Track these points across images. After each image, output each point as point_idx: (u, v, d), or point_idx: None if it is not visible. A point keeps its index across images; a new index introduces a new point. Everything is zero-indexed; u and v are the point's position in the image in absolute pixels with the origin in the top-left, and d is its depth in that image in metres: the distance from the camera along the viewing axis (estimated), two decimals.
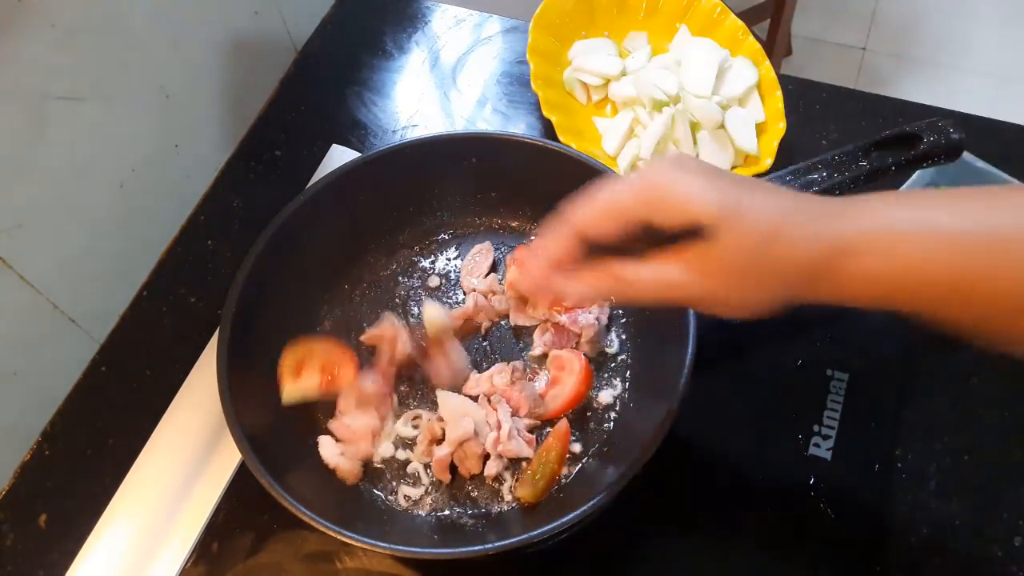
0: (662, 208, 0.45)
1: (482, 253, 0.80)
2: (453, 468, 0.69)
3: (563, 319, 0.74)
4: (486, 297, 0.77)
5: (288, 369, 0.71)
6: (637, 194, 0.46)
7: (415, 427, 0.71)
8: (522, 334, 0.77)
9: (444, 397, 0.70)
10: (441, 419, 0.70)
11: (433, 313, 0.72)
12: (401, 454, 0.71)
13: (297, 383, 0.71)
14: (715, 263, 0.45)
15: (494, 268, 0.80)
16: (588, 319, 0.73)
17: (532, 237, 0.82)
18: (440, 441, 0.69)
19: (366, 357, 0.75)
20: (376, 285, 0.81)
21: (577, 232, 0.49)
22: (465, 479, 0.69)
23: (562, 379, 0.73)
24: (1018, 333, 0.44)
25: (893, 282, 0.45)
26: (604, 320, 0.75)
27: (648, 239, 0.47)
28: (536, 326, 0.76)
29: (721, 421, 0.73)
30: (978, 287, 0.43)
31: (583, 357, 0.73)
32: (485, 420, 0.69)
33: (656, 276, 0.47)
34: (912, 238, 0.44)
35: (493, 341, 0.77)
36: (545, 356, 0.75)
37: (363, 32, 1.04)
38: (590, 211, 0.48)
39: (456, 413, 0.68)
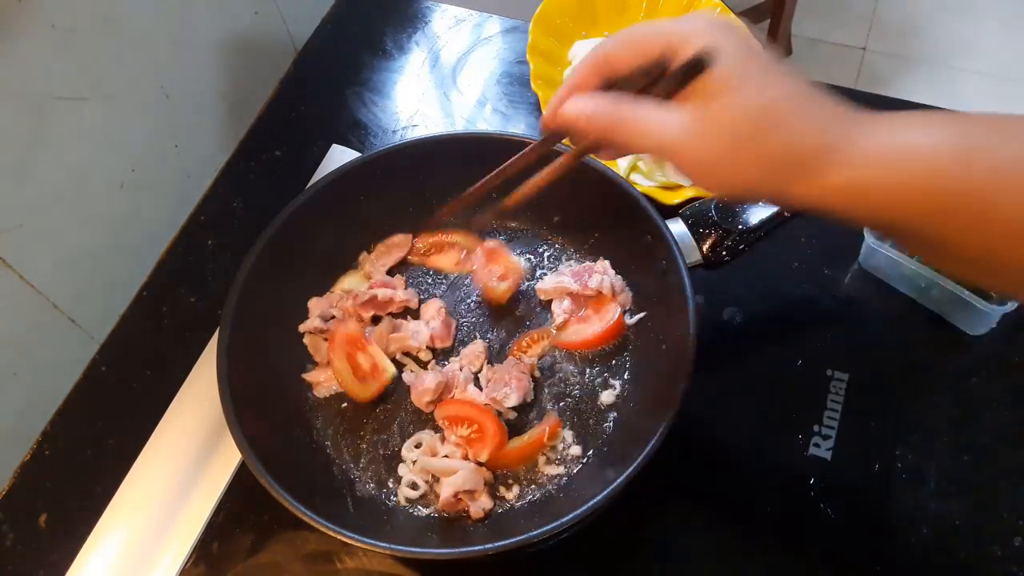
0: (681, 41, 0.45)
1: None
2: None
3: (574, 286, 0.75)
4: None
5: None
6: (662, 28, 0.46)
7: (417, 446, 0.71)
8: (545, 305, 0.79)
9: (426, 461, 0.69)
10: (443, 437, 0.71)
11: None
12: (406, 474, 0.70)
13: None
14: (713, 120, 0.44)
15: None
16: (596, 280, 0.74)
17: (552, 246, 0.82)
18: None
19: None
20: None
21: (600, 59, 0.48)
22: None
23: (590, 319, 0.75)
24: (1010, 266, 0.42)
25: (886, 198, 0.42)
26: (614, 283, 0.75)
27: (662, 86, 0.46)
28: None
29: (721, 421, 0.73)
30: (977, 212, 0.40)
31: (619, 310, 0.74)
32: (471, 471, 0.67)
33: (653, 116, 0.46)
34: (915, 157, 0.41)
35: (520, 311, 0.78)
36: (566, 325, 0.76)
37: (363, 32, 1.04)
38: (615, 40, 0.48)
39: (446, 472, 0.67)
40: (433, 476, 0.68)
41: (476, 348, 0.75)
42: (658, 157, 0.46)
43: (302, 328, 0.76)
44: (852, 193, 0.43)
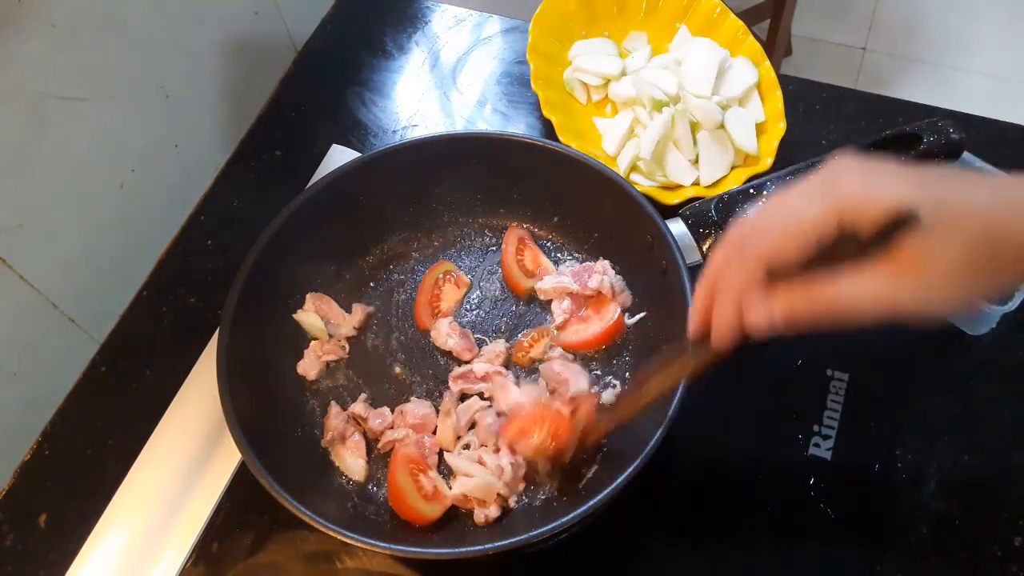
0: (861, 212, 0.41)
1: None
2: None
3: (574, 286, 0.75)
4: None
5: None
6: (829, 207, 0.42)
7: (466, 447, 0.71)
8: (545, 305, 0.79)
9: (454, 459, 0.69)
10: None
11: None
12: None
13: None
14: (937, 256, 0.41)
15: None
16: (595, 281, 0.75)
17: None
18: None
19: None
20: (376, 285, 0.81)
21: (759, 261, 0.45)
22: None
23: (590, 319, 0.75)
24: None
25: None
26: (614, 283, 0.76)
27: (834, 252, 0.43)
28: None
29: (721, 421, 0.73)
30: None
31: (619, 311, 0.74)
32: (489, 473, 0.67)
33: (871, 286, 0.43)
34: None
35: (522, 311, 0.79)
36: (566, 326, 0.76)
37: (363, 32, 1.04)
38: (778, 238, 0.44)
39: (463, 472, 0.67)
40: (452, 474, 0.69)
41: (497, 347, 0.75)
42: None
43: (297, 318, 0.77)
44: None
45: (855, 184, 0.42)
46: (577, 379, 0.71)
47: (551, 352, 0.75)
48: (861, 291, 0.43)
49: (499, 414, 0.71)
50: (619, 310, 0.74)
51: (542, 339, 0.76)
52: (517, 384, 0.73)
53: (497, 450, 0.69)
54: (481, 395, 0.73)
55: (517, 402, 0.70)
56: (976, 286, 0.43)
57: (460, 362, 0.75)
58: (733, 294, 0.46)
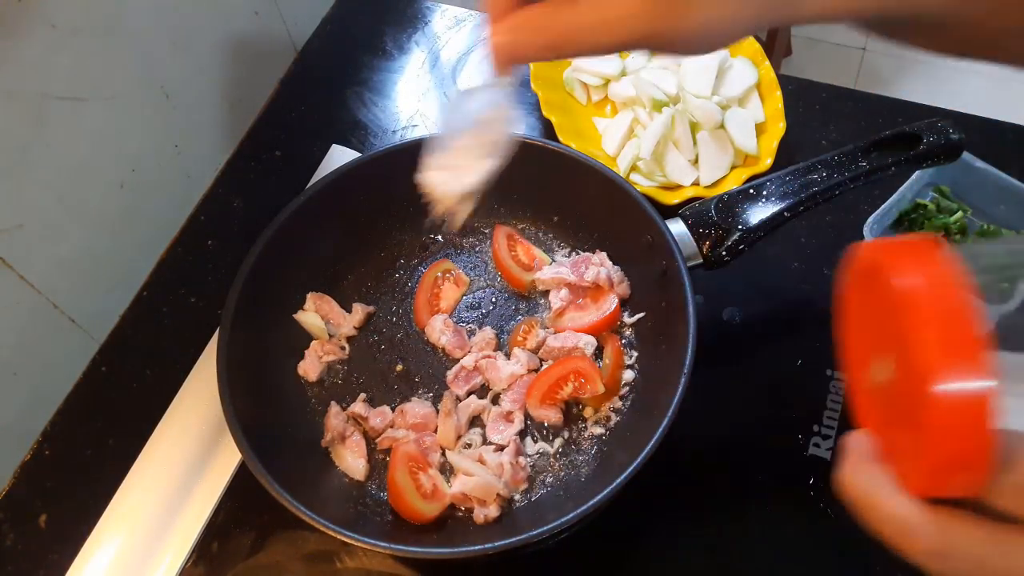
0: None
1: None
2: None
3: (572, 277, 0.76)
4: None
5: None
6: None
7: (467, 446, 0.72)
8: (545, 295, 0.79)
9: (454, 458, 0.69)
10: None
11: None
12: None
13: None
14: None
15: None
16: (592, 273, 0.75)
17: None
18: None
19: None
20: (376, 285, 0.81)
21: None
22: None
23: (587, 308, 0.75)
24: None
25: None
26: (611, 274, 0.76)
27: None
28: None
29: (721, 421, 0.73)
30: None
31: (617, 302, 0.75)
32: (490, 471, 0.68)
33: (591, 11, 0.37)
34: None
35: (523, 307, 0.79)
36: (562, 313, 0.76)
37: (363, 32, 1.04)
38: None
39: (464, 471, 0.68)
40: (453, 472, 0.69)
41: (486, 335, 0.75)
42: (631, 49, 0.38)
43: (297, 318, 0.77)
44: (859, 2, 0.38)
45: None
46: (578, 340, 0.73)
47: (546, 335, 0.75)
48: (589, 18, 0.37)
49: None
50: (616, 300, 0.75)
51: (534, 328, 0.76)
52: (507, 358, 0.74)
53: (500, 448, 0.69)
54: (483, 388, 0.74)
55: (511, 374, 0.72)
56: (728, 20, 0.37)
57: (455, 360, 0.75)
58: (491, 12, 0.41)
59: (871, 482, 0.37)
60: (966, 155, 0.77)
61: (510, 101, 0.49)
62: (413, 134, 0.94)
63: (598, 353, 0.74)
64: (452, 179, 0.51)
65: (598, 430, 0.71)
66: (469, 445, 0.70)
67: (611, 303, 0.75)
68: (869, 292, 0.38)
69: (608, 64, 0.92)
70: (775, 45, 1.88)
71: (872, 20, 0.41)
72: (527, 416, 0.71)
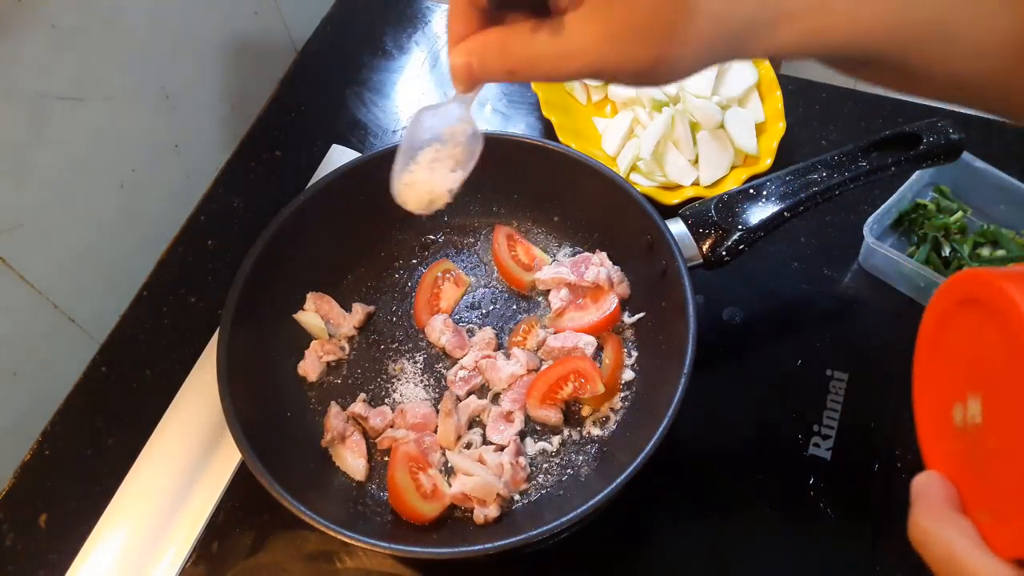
0: None
1: None
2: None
3: (572, 277, 0.75)
4: None
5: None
6: None
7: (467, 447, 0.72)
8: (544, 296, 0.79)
9: (454, 458, 0.69)
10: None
11: None
12: None
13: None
14: (626, 23, 0.37)
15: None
16: (592, 273, 0.75)
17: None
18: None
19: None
20: (376, 285, 0.81)
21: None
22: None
23: (587, 307, 0.75)
24: (971, 81, 0.42)
25: (847, 39, 0.40)
26: (611, 274, 0.76)
27: None
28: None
29: (721, 421, 0.73)
30: (945, 36, 0.41)
31: (617, 302, 0.75)
32: (490, 471, 0.67)
33: (555, 44, 0.38)
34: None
35: (523, 307, 0.79)
36: (562, 313, 0.76)
37: (363, 32, 1.04)
38: None
39: (464, 471, 0.67)
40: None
41: (486, 335, 0.75)
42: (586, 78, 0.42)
43: (297, 318, 0.77)
44: (808, 43, 0.40)
45: None
46: (578, 340, 0.73)
47: (546, 335, 0.75)
48: (544, 48, 0.39)
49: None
50: (616, 300, 0.75)
51: (534, 328, 0.76)
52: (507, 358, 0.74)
53: (500, 448, 0.69)
54: (483, 388, 0.74)
55: (511, 374, 0.72)
56: (678, 59, 0.39)
57: (455, 360, 0.75)
58: (452, 33, 0.42)
59: (950, 534, 0.34)
60: (966, 155, 0.77)
61: (472, 115, 0.50)
62: None
63: (598, 353, 0.74)
64: (421, 192, 0.54)
65: (598, 430, 0.71)
66: (469, 445, 0.70)
67: (611, 303, 0.75)
68: (971, 324, 0.34)
69: None
70: None
71: (825, 59, 0.43)
72: (527, 416, 0.71)
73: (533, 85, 0.90)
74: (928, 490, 0.36)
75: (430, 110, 0.51)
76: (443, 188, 0.53)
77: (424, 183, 0.53)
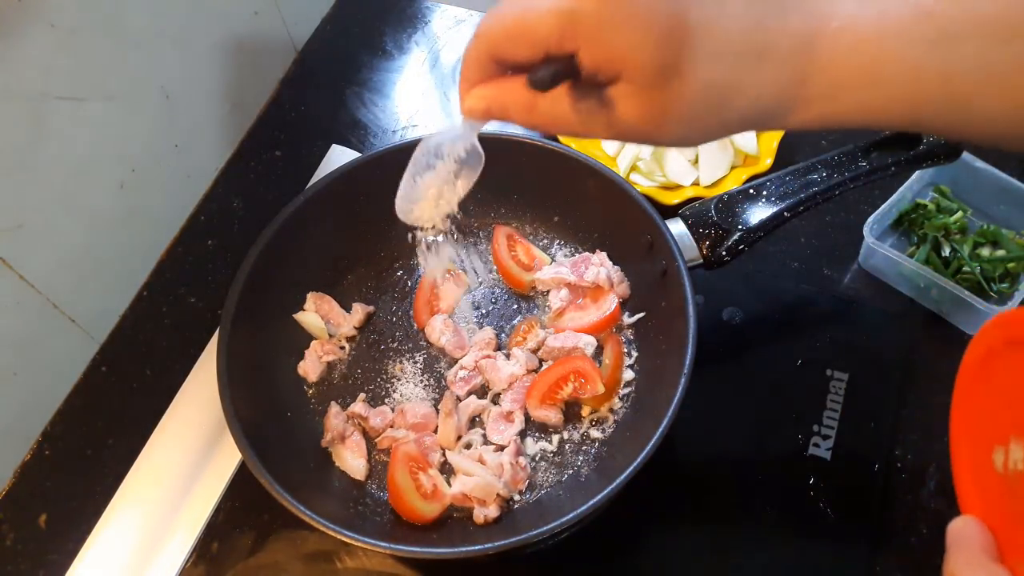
0: (591, 46, 0.39)
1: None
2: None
3: (571, 277, 0.75)
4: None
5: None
6: (559, 22, 0.39)
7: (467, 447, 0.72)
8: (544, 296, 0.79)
9: (454, 458, 0.69)
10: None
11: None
12: None
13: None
14: (659, 108, 0.41)
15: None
16: (592, 274, 0.75)
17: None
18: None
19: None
20: (376, 285, 0.81)
21: (486, 55, 0.43)
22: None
23: (587, 308, 0.75)
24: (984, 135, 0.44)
25: (863, 115, 0.43)
26: (611, 274, 0.76)
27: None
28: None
29: (721, 421, 0.73)
30: (958, 108, 0.42)
31: (617, 302, 0.75)
32: (490, 471, 0.68)
33: (586, 112, 0.42)
34: (890, 74, 0.41)
35: (523, 307, 0.79)
36: (562, 313, 0.76)
37: (363, 32, 1.04)
38: (499, 28, 0.42)
39: (464, 471, 0.68)
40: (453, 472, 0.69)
41: (486, 335, 0.75)
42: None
43: (297, 318, 0.77)
44: (825, 123, 0.44)
45: (592, 7, 0.39)
46: (578, 340, 0.72)
47: (546, 335, 0.75)
48: (575, 119, 0.43)
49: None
50: (616, 301, 0.75)
51: (534, 328, 0.76)
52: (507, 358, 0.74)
53: (500, 448, 0.69)
54: (483, 388, 0.74)
55: (511, 374, 0.72)
56: (710, 133, 0.44)
57: (455, 360, 0.75)
58: (465, 76, 0.45)
59: None
60: (966, 155, 0.77)
61: (476, 138, 0.54)
62: (413, 134, 0.94)
63: (598, 353, 0.74)
64: (424, 209, 0.59)
65: (598, 430, 0.71)
66: (469, 445, 0.70)
67: (611, 303, 0.75)
68: (1019, 366, 0.33)
69: None
70: None
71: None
72: (527, 416, 0.71)
73: None
74: (965, 537, 0.35)
75: (435, 135, 0.54)
76: (445, 207, 0.58)
77: (427, 203, 0.58)
